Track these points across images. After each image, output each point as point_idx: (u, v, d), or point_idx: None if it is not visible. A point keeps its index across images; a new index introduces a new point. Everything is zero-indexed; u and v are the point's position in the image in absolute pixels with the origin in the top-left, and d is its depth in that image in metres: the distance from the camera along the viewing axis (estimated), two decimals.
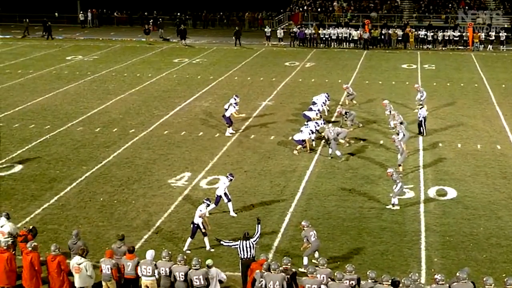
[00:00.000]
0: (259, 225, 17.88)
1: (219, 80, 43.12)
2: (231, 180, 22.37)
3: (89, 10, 72.31)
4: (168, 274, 16.11)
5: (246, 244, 17.31)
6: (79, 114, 34.24)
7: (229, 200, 21.94)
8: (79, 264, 16.34)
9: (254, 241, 17.43)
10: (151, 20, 67.00)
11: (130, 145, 29.17)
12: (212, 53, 54.68)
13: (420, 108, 30.87)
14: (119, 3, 75.03)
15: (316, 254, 18.63)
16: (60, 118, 33.49)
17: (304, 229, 18.49)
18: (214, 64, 49.10)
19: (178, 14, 70.91)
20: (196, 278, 15.79)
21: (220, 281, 16.20)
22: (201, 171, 25.97)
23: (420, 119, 30.25)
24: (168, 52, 55.37)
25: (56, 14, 71.89)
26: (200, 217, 19.30)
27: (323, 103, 32.98)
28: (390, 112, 30.45)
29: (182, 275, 15.90)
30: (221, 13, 73.70)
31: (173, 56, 52.80)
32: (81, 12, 72.04)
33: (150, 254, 16.39)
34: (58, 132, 31.13)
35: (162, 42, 60.57)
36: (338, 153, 27.15)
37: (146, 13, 71.86)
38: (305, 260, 18.34)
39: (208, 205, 19.95)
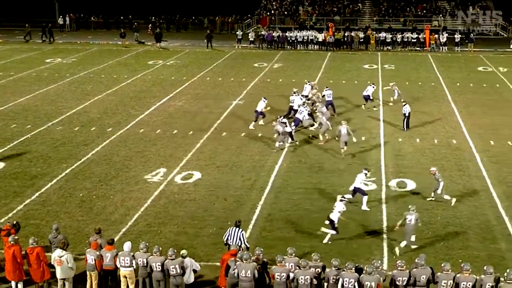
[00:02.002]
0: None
1: (192, 80, 42.99)
2: (366, 174, 22.30)
3: (67, 15, 71.55)
4: (145, 264, 16.07)
5: (234, 231, 17.51)
6: (59, 114, 33.92)
7: (364, 194, 21.88)
8: (61, 257, 16.22)
9: (242, 235, 17.49)
10: (150, 24, 66.82)
11: (108, 143, 28.98)
12: (185, 55, 54.49)
13: (404, 105, 30.82)
14: (96, 8, 74.45)
15: (412, 238, 18.82)
16: (41, 118, 33.15)
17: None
18: (187, 66, 48.94)
19: (153, 18, 70.62)
20: (172, 268, 15.81)
21: (194, 270, 16.23)
22: (175, 167, 25.90)
23: (406, 115, 30.47)
24: (143, 54, 55.05)
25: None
26: (339, 212, 19.21)
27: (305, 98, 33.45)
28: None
29: (158, 265, 15.89)
30: (193, 17, 73.48)
31: (148, 58, 52.51)
32: (60, 16, 71.24)
33: (127, 245, 16.34)
34: (39, 131, 30.82)
35: (137, 45, 60.18)
36: (277, 144, 27.78)
37: (122, 17, 71.38)
38: (403, 244, 18.71)
39: (346, 202, 19.95)
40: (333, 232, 19.24)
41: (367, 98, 34.43)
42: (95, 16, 74.15)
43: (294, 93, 32.35)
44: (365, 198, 21.83)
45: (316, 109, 30.50)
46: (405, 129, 30.46)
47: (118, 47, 58.97)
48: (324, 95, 33.25)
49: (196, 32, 68.76)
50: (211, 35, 58.67)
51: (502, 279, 14.97)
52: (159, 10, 72.97)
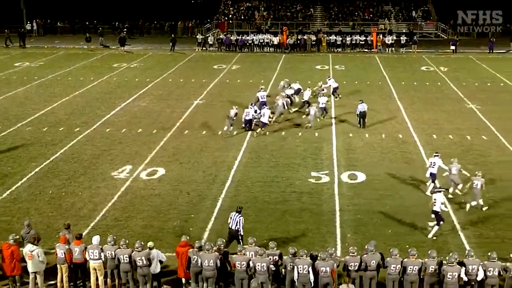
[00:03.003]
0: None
1: (155, 82, 42.68)
2: (438, 155, 22.68)
3: (35, 21, 70.31)
4: (113, 256, 15.94)
5: (234, 216, 17.76)
6: (28, 115, 33.34)
7: (435, 179, 22.23)
8: (32, 251, 16.01)
9: (240, 220, 17.68)
10: (125, 30, 66.18)
11: (76, 142, 28.61)
12: (148, 58, 54.05)
13: (360, 103, 30.80)
14: (62, 14, 73.31)
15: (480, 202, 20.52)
16: (10, 119, 32.53)
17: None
18: (150, 68, 48.53)
19: (117, 23, 69.92)
20: (139, 259, 15.70)
21: (161, 261, 16.14)
22: (141, 164, 25.70)
23: (360, 113, 30.46)
24: (108, 58, 54.42)
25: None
26: (441, 203, 19.01)
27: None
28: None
29: (126, 257, 15.77)
30: (156, 22, 72.94)
31: (112, 61, 51.90)
32: (28, 22, 69.96)
33: (96, 239, 16.19)
34: (9, 132, 30.25)
35: (103, 49, 59.47)
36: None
37: (87, 23, 70.42)
38: (473, 203, 20.50)
39: (444, 191, 19.90)
40: (440, 223, 19.01)
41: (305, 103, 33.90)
42: (62, 22, 73.07)
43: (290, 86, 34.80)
44: (436, 182, 22.14)
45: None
46: (360, 127, 30.46)
47: (84, 51, 58.18)
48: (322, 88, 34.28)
49: (158, 36, 68.31)
50: (175, 39, 58.28)
51: (444, 262, 15.24)
52: (123, 16, 72.22)
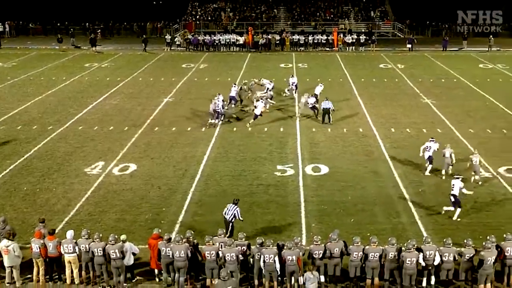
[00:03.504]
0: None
1: (126, 81, 42.29)
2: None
3: (6, 22, 68.96)
4: (87, 250, 15.82)
5: (231, 207, 17.97)
6: (1, 114, 32.75)
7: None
8: (7, 246, 15.83)
9: (237, 211, 17.91)
10: (99, 30, 65.17)
11: (49, 140, 28.23)
12: (118, 58, 53.50)
13: (325, 100, 30.78)
14: (34, 15, 72.03)
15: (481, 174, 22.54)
16: None
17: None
18: (121, 68, 48.05)
19: (88, 24, 69.07)
20: (112, 252, 15.61)
21: (134, 254, 16.07)
22: (113, 160, 25.47)
23: (323, 109, 30.43)
24: (80, 58, 53.67)
25: None
26: (459, 188, 19.51)
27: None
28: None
29: (100, 250, 15.67)
30: (125, 23, 72.23)
31: (84, 61, 51.20)
32: (0, 24, 68.67)
33: (70, 233, 16.07)
34: None
35: (74, 49, 58.64)
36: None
37: (58, 24, 69.40)
38: (477, 177, 22.33)
39: (461, 179, 19.93)
40: (459, 209, 19.58)
41: (316, 97, 33.57)
42: (33, 23, 71.73)
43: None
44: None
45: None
46: (323, 122, 30.46)
47: (56, 51, 57.32)
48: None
49: (128, 37, 67.66)
50: (146, 39, 57.78)
51: (403, 248, 15.45)
52: (93, 17, 71.34)
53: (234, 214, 17.89)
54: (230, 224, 17.87)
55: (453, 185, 19.68)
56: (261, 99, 31.29)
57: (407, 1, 69.29)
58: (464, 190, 19.79)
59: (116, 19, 71.83)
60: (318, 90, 33.80)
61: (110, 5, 72.27)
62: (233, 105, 32.73)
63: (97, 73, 45.48)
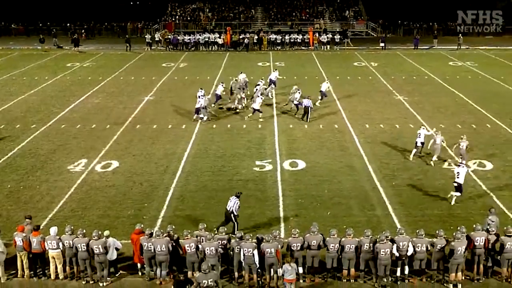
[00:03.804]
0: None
1: (107, 80, 42.00)
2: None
3: None
4: (71, 246, 15.74)
5: (232, 199, 18.19)
6: None
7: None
8: None
9: (236, 204, 18.05)
10: (83, 30, 64.51)
11: (32, 138, 27.96)
12: (100, 57, 53.08)
13: (306, 98, 30.72)
14: (16, 16, 71.20)
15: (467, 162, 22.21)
16: None
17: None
18: (102, 67, 47.68)
19: (69, 24, 68.42)
20: (96, 247, 15.54)
21: (117, 249, 16.01)
22: (95, 157, 25.31)
23: (304, 107, 30.46)
24: (62, 57, 53.17)
25: None
26: (464, 175, 20.13)
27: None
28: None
29: (83, 245, 15.59)
30: (106, 23, 71.66)
31: (66, 61, 50.72)
32: None
33: (54, 230, 15.98)
34: None
35: (56, 50, 58.08)
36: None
37: (41, 24, 68.64)
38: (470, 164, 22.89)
39: (466, 168, 20.53)
40: (458, 194, 20.19)
41: (323, 94, 34.17)
42: (16, 24, 70.92)
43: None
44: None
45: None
46: (303, 119, 30.44)
47: (38, 51, 56.71)
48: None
49: (109, 37, 67.17)
50: (129, 39, 57.39)
51: (378, 240, 15.57)
52: (75, 17, 70.68)
53: (234, 206, 18.04)
54: (232, 217, 17.96)
55: (458, 173, 20.20)
56: (260, 94, 31.68)
57: (380, 1, 69.74)
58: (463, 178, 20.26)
59: (97, 20, 71.25)
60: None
61: (91, 5, 71.71)
62: (213, 104, 32.62)
63: (79, 73, 45.09)
